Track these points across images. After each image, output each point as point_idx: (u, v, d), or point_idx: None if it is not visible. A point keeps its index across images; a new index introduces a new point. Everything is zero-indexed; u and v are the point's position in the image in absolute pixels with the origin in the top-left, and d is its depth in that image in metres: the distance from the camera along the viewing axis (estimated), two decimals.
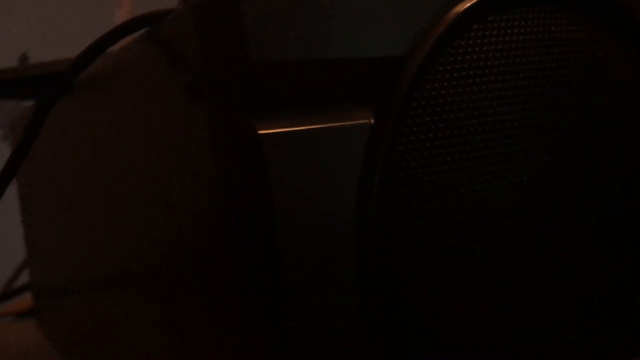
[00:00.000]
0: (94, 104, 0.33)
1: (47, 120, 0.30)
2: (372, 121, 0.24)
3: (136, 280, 0.31)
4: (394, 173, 0.24)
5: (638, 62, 0.30)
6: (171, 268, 0.28)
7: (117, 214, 0.32)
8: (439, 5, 0.25)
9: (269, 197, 0.22)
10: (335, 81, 0.24)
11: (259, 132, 0.22)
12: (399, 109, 0.24)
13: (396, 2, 0.24)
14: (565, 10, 0.28)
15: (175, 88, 0.25)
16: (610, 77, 0.29)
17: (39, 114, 0.30)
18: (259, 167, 0.22)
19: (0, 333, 0.55)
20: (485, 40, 0.26)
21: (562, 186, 0.27)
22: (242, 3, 0.22)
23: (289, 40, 0.22)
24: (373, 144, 0.24)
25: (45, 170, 0.43)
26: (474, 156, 0.25)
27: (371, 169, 0.23)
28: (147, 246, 0.29)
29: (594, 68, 0.28)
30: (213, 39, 0.23)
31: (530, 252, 0.26)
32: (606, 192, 0.28)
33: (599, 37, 0.29)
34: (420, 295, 0.24)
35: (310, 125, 0.23)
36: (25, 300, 0.62)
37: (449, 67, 0.25)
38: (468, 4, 0.25)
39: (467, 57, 0.25)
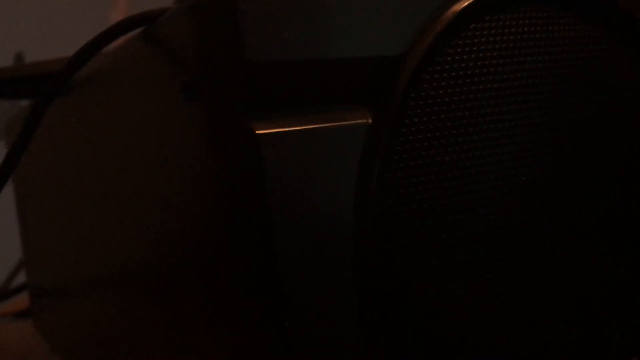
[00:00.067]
0: (90, 104, 0.33)
1: (43, 120, 0.30)
2: (370, 121, 0.24)
3: (134, 280, 0.31)
4: (393, 173, 0.24)
5: (638, 62, 0.30)
6: (170, 268, 0.27)
7: (114, 214, 0.32)
8: (437, 4, 0.25)
9: (267, 197, 0.22)
10: (333, 81, 0.24)
11: (257, 132, 0.22)
12: (397, 109, 0.24)
13: (394, 2, 0.24)
14: (563, 10, 0.28)
15: (172, 87, 0.25)
16: (610, 77, 0.29)
17: (35, 114, 0.30)
18: (257, 167, 0.22)
19: None
20: (483, 40, 0.26)
21: (561, 186, 0.27)
22: (240, 2, 0.22)
23: (287, 39, 0.22)
24: (371, 143, 0.24)
25: (41, 170, 0.43)
26: (473, 156, 0.25)
27: (369, 168, 0.23)
28: (145, 246, 0.29)
29: (593, 68, 0.28)
30: (210, 38, 0.23)
31: (530, 252, 0.26)
32: (606, 192, 0.28)
33: (597, 36, 0.29)
34: (420, 295, 0.24)
35: (308, 125, 0.23)
36: (22, 300, 0.62)
37: (447, 67, 0.25)
38: (465, 4, 0.25)
39: (465, 57, 0.25)
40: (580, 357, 0.28)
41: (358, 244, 0.23)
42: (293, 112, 0.23)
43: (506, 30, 0.26)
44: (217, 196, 0.23)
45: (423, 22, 0.25)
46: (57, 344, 0.46)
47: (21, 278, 0.60)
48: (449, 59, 0.25)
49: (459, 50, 0.25)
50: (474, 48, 0.25)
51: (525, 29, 0.27)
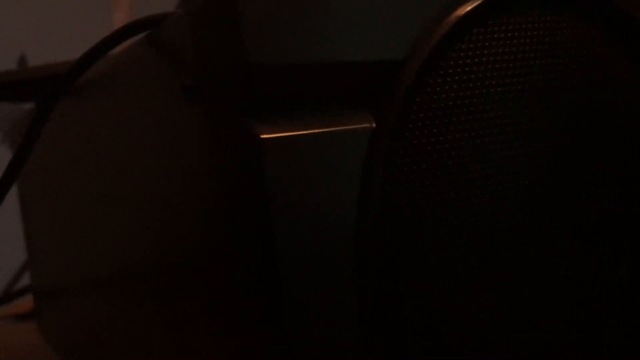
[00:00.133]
0: (93, 106, 0.33)
1: (47, 123, 0.30)
2: (374, 125, 0.24)
3: (136, 282, 0.31)
4: (395, 176, 0.24)
5: (638, 62, 0.30)
6: (171, 269, 0.28)
7: (117, 216, 0.32)
8: (440, 8, 0.25)
9: (268, 198, 0.22)
10: (336, 85, 0.24)
11: (261, 136, 0.22)
12: (400, 113, 0.24)
13: (397, 6, 0.24)
14: (566, 13, 0.28)
15: (174, 90, 0.25)
16: (610, 77, 0.29)
17: (40, 117, 0.30)
18: (259, 171, 0.22)
19: (1, 335, 0.55)
20: (486, 44, 0.26)
21: (562, 186, 0.27)
22: (241, 6, 0.22)
23: (289, 42, 0.22)
24: (374, 147, 0.24)
25: (45, 173, 0.43)
26: (475, 159, 0.25)
27: (372, 172, 0.23)
28: (148, 249, 0.29)
29: (594, 69, 0.28)
30: (212, 42, 0.23)
31: (531, 252, 0.26)
32: (606, 193, 0.28)
33: (599, 38, 0.29)
34: (420, 295, 0.24)
35: (311, 129, 0.23)
36: (25, 302, 0.62)
37: (450, 71, 0.25)
38: (469, 8, 0.25)
39: (468, 61, 0.25)
40: (580, 357, 0.28)
41: (358, 244, 0.23)
42: (296, 116, 0.23)
43: (509, 35, 0.26)
44: (218, 197, 0.23)
45: (426, 26, 0.25)
46: (60, 345, 0.46)
47: (25, 280, 0.60)
48: (452, 63, 0.25)
49: (462, 54, 0.25)
50: (477, 52, 0.25)
51: (528, 32, 0.27)
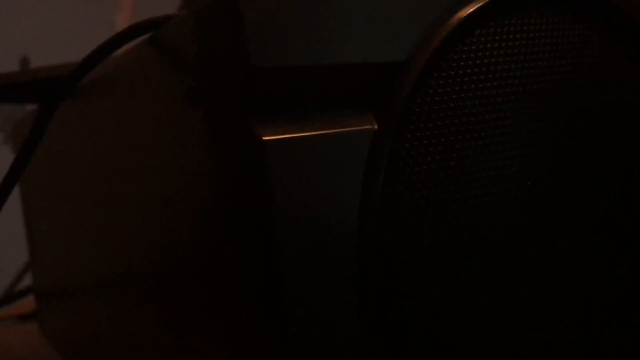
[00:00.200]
0: (96, 107, 0.33)
1: (50, 124, 0.30)
2: (375, 126, 0.24)
3: (138, 282, 0.31)
4: (397, 177, 0.24)
5: (638, 62, 0.30)
6: (173, 270, 0.28)
7: (119, 217, 0.32)
8: (442, 10, 0.25)
9: (270, 199, 0.22)
10: (337, 86, 0.24)
11: (262, 138, 0.22)
12: (402, 114, 0.24)
13: (398, 7, 0.24)
14: (566, 14, 0.28)
15: (177, 92, 0.25)
16: (611, 78, 0.29)
17: (42, 118, 0.30)
18: (261, 172, 0.22)
19: (3, 336, 0.55)
20: (488, 46, 0.26)
21: (562, 187, 0.27)
22: (243, 8, 0.22)
23: (291, 45, 0.22)
24: (377, 149, 0.24)
25: (47, 174, 0.43)
26: (477, 160, 0.25)
27: (374, 173, 0.24)
28: (150, 249, 0.30)
29: (595, 70, 0.28)
30: (214, 44, 0.23)
31: (531, 252, 0.26)
32: (606, 193, 0.28)
33: (600, 39, 0.29)
34: (420, 295, 0.24)
35: (312, 131, 0.23)
36: (27, 303, 0.62)
37: (452, 72, 0.25)
38: (471, 10, 0.25)
39: (470, 62, 0.25)
40: (580, 357, 0.28)
41: (359, 244, 0.23)
42: (297, 118, 0.23)
43: (511, 36, 0.26)
44: (219, 198, 0.24)
45: (428, 27, 0.25)
46: (62, 346, 0.46)
47: (27, 281, 0.60)
48: (454, 64, 0.25)
49: (463, 56, 0.25)
50: (479, 54, 0.26)
51: (530, 34, 0.27)
